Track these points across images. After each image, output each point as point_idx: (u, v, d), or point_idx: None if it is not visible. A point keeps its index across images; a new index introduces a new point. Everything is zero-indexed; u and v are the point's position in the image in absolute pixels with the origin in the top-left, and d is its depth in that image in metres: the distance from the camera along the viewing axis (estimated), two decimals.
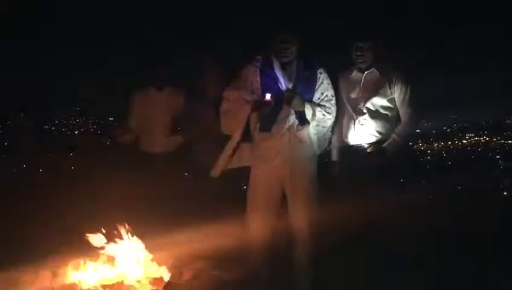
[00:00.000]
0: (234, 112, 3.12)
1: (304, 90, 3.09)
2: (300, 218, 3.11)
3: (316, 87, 3.13)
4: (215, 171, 3.20)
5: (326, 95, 3.16)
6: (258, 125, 3.12)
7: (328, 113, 3.15)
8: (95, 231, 2.75)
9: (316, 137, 3.19)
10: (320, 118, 3.13)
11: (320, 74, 3.15)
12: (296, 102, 3.01)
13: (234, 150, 3.15)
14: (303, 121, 3.08)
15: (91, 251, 2.74)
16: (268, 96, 2.98)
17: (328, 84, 3.18)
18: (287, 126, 3.07)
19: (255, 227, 3.14)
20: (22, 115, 7.87)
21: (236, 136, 3.13)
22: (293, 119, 3.08)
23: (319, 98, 3.14)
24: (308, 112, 3.06)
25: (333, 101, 3.19)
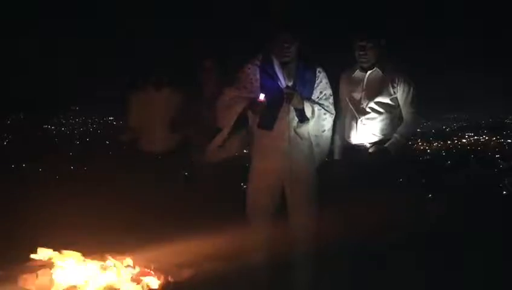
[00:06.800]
0: (229, 105, 3.15)
1: (303, 89, 3.12)
2: (300, 216, 3.11)
3: (315, 86, 3.17)
4: (207, 158, 3.35)
5: (325, 94, 3.20)
6: (258, 122, 3.13)
7: (326, 111, 3.19)
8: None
9: (315, 136, 3.19)
10: (319, 116, 3.16)
11: (319, 73, 3.19)
12: (295, 99, 3.05)
13: (224, 141, 3.19)
14: (302, 118, 3.11)
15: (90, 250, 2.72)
16: (262, 96, 2.99)
17: (327, 83, 3.22)
18: (287, 123, 3.10)
19: (255, 224, 3.14)
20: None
21: (227, 128, 3.16)
22: (292, 116, 3.11)
23: (317, 97, 3.18)
24: (308, 109, 3.10)
25: (331, 100, 3.23)
